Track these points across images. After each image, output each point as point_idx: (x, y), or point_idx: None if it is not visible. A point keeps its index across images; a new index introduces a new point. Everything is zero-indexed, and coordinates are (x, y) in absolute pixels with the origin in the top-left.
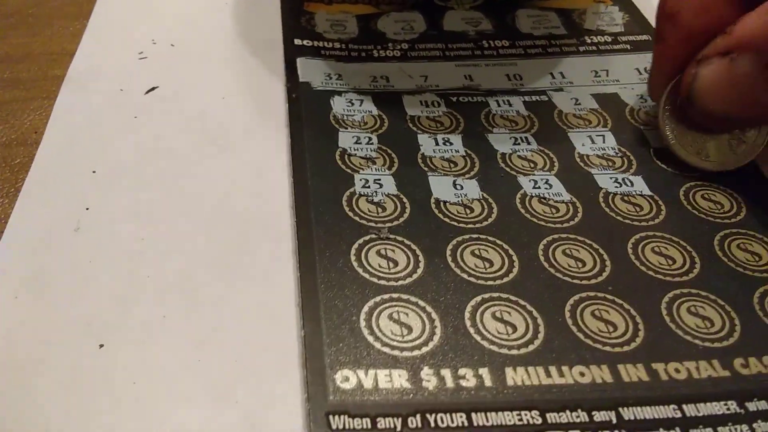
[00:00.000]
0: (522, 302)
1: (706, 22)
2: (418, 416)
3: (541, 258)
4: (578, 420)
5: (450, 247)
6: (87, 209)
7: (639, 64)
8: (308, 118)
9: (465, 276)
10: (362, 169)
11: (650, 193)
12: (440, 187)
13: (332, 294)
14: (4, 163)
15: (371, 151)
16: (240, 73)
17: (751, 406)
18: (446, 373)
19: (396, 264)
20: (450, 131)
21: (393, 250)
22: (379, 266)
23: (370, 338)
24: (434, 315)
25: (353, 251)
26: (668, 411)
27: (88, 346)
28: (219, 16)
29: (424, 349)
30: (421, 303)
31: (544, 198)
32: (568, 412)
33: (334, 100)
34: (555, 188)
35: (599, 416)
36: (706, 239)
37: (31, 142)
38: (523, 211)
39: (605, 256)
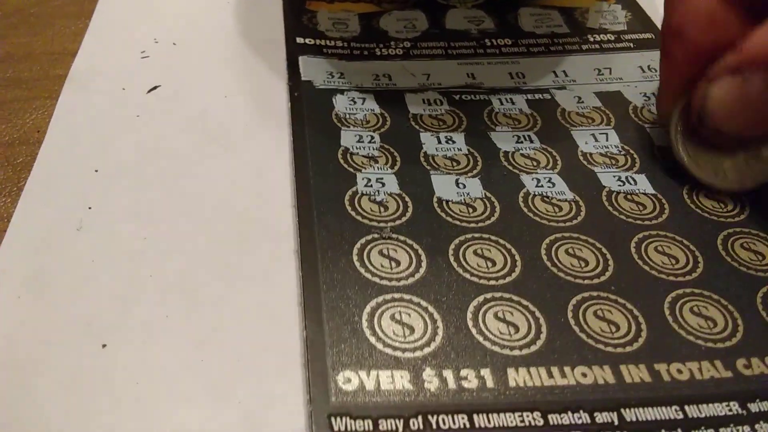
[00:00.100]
0: (524, 302)
1: (713, 38)
2: (420, 418)
3: (544, 257)
4: (580, 421)
5: (452, 246)
6: (89, 208)
7: (642, 62)
8: (310, 117)
9: (467, 276)
10: (364, 168)
11: (653, 192)
12: (443, 185)
13: (334, 294)
14: (6, 163)
15: (373, 149)
16: (242, 72)
17: (753, 407)
18: (448, 374)
19: (398, 264)
20: (452, 130)
21: (395, 250)
22: (382, 266)
23: (372, 339)
24: (436, 315)
25: (355, 251)
26: (670, 412)
27: (89, 346)
28: (221, 15)
29: (426, 350)
30: (423, 303)
31: (547, 197)
32: (569, 413)
33: (337, 98)
34: (558, 187)
35: (601, 417)
36: (709, 238)
37: (33, 141)
38: (525, 209)
39: (608, 256)
